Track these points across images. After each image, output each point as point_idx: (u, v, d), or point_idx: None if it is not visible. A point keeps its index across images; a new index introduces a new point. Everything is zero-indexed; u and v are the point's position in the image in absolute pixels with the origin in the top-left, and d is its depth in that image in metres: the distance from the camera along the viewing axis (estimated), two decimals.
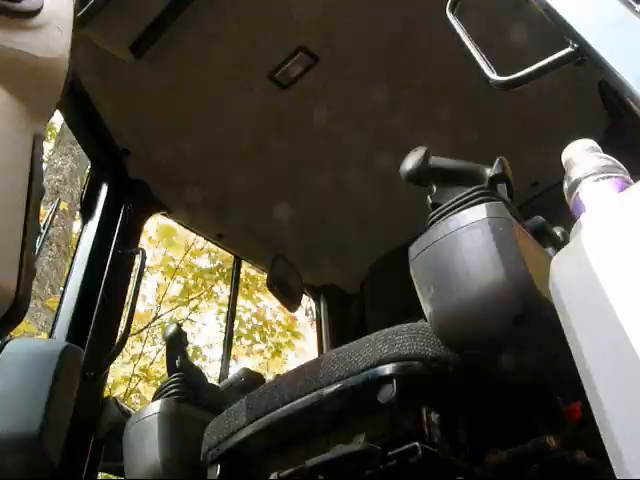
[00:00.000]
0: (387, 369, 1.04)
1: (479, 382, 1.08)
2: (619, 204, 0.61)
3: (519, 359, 0.94)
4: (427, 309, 0.94)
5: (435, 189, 1.06)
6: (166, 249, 6.61)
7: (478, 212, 0.93)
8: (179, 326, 1.57)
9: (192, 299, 7.20)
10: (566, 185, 0.72)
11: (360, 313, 2.45)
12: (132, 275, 1.94)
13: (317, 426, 1.10)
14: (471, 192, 0.99)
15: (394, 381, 1.02)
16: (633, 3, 0.81)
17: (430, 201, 1.06)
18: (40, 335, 4.25)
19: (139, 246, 2.04)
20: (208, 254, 6.90)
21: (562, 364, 0.65)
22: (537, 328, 0.85)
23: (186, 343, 1.57)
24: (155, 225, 6.20)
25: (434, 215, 1.01)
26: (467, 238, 0.91)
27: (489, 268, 0.87)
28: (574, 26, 0.84)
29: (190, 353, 7.62)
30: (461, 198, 0.99)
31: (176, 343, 1.53)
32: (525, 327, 0.85)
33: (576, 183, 0.70)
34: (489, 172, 1.04)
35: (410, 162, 1.07)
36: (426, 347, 1.05)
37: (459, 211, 0.96)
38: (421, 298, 0.95)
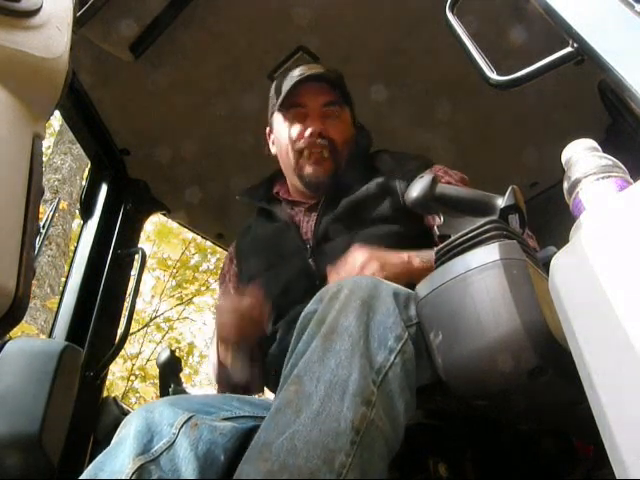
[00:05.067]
0: None
1: (488, 430, 1.05)
2: (619, 204, 0.61)
3: (532, 408, 0.88)
4: (434, 356, 0.86)
5: (442, 219, 0.97)
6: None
7: (490, 252, 0.84)
8: (172, 352, 1.52)
9: (187, 294, 7.22)
10: (566, 185, 0.72)
11: None
12: (132, 274, 1.94)
13: None
14: (482, 225, 0.90)
15: None
16: (633, 3, 0.81)
17: (437, 232, 0.97)
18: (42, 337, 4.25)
19: (138, 246, 2.04)
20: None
21: (580, 411, 0.61)
22: (554, 378, 0.78)
23: (180, 369, 1.51)
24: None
25: (442, 249, 0.93)
26: (479, 281, 0.82)
27: (503, 316, 0.79)
28: (574, 26, 0.84)
29: (185, 350, 7.64)
30: (471, 232, 0.90)
31: (169, 369, 1.47)
32: (541, 379, 0.78)
33: (576, 183, 0.70)
34: (500, 202, 0.95)
35: (415, 190, 0.98)
36: (433, 396, 0.97)
37: (469, 247, 0.88)
38: (428, 343, 0.88)
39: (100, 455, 0.92)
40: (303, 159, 1.39)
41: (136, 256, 1.90)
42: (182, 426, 0.95)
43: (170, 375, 1.48)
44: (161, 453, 0.91)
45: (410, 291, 0.95)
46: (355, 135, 1.47)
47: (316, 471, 0.68)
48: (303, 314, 0.91)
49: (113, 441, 0.96)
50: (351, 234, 1.28)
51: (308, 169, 1.39)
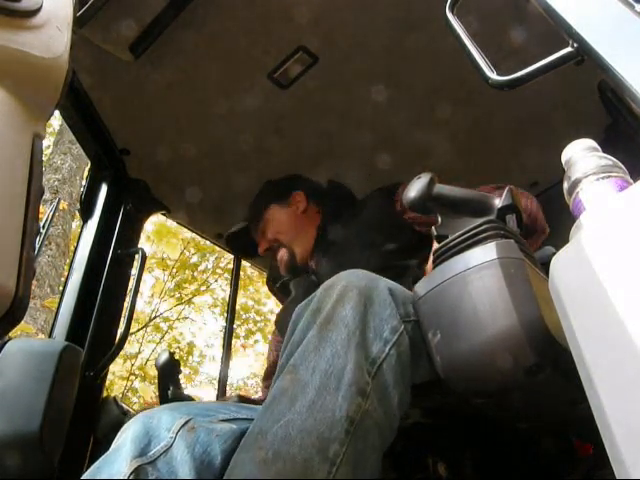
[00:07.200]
0: None
1: (487, 429, 1.05)
2: (619, 204, 0.61)
3: (531, 406, 0.89)
4: (433, 354, 0.87)
5: (440, 219, 0.98)
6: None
7: (488, 251, 0.85)
8: (172, 354, 1.53)
9: (186, 294, 7.23)
10: (566, 185, 0.72)
11: None
12: (132, 274, 1.94)
13: None
14: (479, 225, 0.91)
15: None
16: (633, 3, 0.81)
17: (435, 232, 0.98)
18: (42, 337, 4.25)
19: (139, 246, 2.04)
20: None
21: (580, 411, 0.62)
22: (553, 376, 0.79)
23: (179, 371, 1.51)
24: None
25: (440, 249, 0.94)
26: (476, 280, 0.83)
27: (500, 314, 0.80)
28: (574, 26, 0.84)
29: (185, 350, 7.65)
30: (469, 232, 0.91)
31: (168, 372, 1.48)
32: (539, 376, 0.78)
33: (576, 183, 0.70)
34: (497, 202, 0.95)
35: (413, 190, 0.97)
36: (431, 394, 0.98)
37: (467, 247, 0.89)
38: (427, 342, 0.89)
39: (98, 460, 0.93)
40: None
41: (136, 256, 1.91)
42: (179, 430, 0.95)
43: (169, 377, 1.47)
44: (158, 456, 0.91)
45: (407, 290, 0.96)
46: (321, 200, 1.77)
47: (310, 460, 0.69)
48: (300, 305, 0.92)
49: (112, 447, 0.97)
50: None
51: (280, 267, 1.74)
